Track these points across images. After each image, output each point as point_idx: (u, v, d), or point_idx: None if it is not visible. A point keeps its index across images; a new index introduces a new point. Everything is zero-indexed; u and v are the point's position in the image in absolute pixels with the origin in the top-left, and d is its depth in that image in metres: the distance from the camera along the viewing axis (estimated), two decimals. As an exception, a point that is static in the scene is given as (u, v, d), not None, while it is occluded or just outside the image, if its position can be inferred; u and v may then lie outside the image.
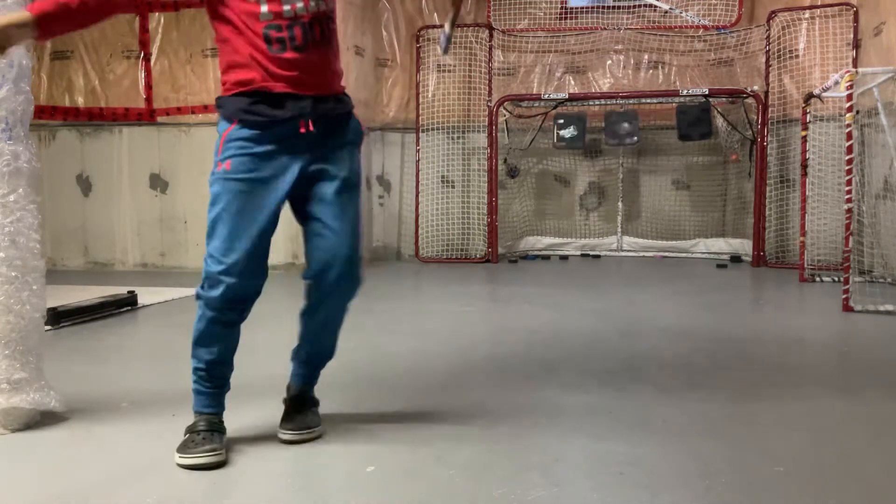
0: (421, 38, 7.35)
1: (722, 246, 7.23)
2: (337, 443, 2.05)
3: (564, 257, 7.45)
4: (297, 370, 2.17)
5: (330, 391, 2.46)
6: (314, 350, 2.14)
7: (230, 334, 2.02)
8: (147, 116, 6.62)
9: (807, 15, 6.70)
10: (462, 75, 7.40)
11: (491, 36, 7.31)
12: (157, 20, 6.59)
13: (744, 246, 7.03)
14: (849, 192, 4.30)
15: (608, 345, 3.37)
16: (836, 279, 5.20)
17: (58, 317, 3.82)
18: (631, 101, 7.14)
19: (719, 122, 7.23)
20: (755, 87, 6.82)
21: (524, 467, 1.87)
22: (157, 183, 6.76)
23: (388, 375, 2.84)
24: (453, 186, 7.46)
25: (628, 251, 7.51)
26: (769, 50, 6.88)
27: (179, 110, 6.60)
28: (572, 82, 7.43)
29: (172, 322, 4.04)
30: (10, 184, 2.16)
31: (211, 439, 1.93)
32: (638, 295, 4.95)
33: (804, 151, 5.68)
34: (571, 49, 7.37)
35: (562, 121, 7.14)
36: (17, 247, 2.16)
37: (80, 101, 6.80)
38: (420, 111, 7.39)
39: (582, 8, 7.42)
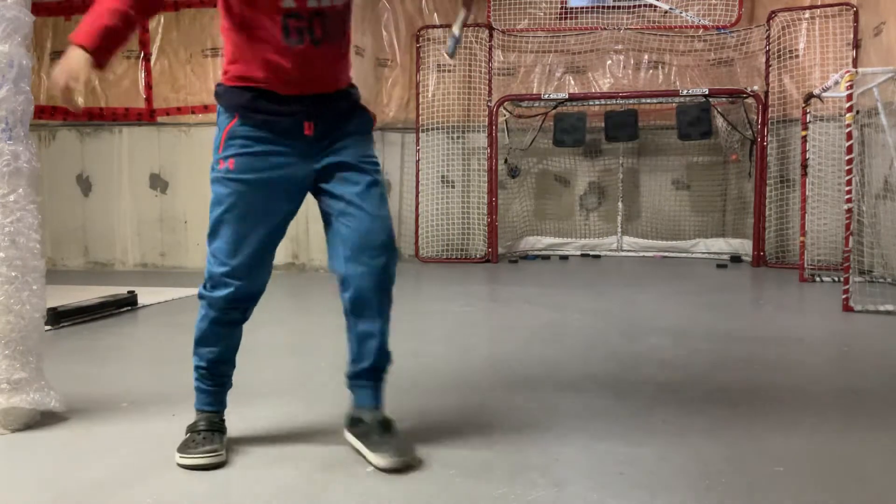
0: (421, 38, 7.36)
1: (722, 246, 7.23)
2: (337, 443, 2.05)
3: (564, 257, 7.45)
4: (362, 390, 2.00)
5: (329, 391, 2.46)
6: (369, 355, 1.97)
7: (232, 333, 2.00)
8: (147, 116, 6.64)
9: (807, 15, 6.70)
10: (462, 75, 7.40)
11: (491, 36, 7.31)
12: (157, 20, 6.59)
13: (744, 246, 7.03)
14: (849, 192, 4.30)
15: (608, 345, 3.37)
16: (836, 279, 5.21)
17: (58, 317, 3.82)
18: (631, 101, 7.14)
19: (719, 122, 7.23)
20: (755, 87, 6.82)
21: (524, 467, 1.87)
22: (157, 183, 6.76)
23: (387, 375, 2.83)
24: (453, 186, 7.46)
25: (628, 251, 7.51)
26: (769, 50, 6.88)
27: (179, 110, 6.61)
28: (572, 82, 7.43)
29: (172, 322, 4.04)
30: (10, 184, 2.16)
31: (211, 439, 1.92)
32: (638, 295, 4.94)
33: (804, 151, 5.68)
34: (571, 49, 7.37)
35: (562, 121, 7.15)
36: (17, 247, 2.16)
37: (80, 101, 6.80)
38: (420, 111, 7.39)
39: (582, 8, 7.43)
